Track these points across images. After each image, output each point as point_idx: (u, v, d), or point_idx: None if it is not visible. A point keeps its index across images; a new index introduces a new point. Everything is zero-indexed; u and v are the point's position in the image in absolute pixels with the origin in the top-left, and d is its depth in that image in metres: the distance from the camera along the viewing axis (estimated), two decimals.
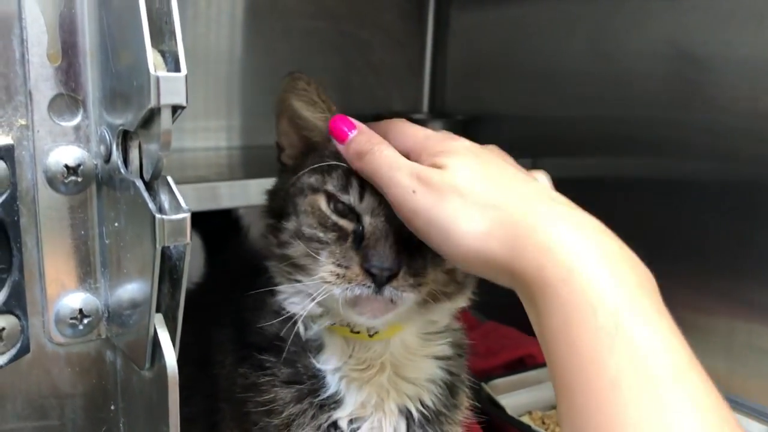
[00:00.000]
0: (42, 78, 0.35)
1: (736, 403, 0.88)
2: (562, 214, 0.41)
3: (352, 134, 0.49)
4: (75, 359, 0.39)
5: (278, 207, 0.56)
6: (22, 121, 0.35)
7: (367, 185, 0.49)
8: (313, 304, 0.51)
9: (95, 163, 0.37)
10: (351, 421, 0.56)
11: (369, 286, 0.47)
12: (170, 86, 0.31)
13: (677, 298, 0.97)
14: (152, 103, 0.31)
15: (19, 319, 0.35)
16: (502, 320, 1.09)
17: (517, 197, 0.42)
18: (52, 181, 0.36)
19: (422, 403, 0.57)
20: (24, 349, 0.36)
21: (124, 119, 0.35)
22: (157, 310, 0.35)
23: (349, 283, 0.48)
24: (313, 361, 0.56)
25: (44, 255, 0.37)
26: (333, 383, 0.56)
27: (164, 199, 0.34)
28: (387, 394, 0.56)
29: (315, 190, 0.52)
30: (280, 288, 0.55)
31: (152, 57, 0.31)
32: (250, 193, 0.70)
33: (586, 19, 1.06)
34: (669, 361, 0.36)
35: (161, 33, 0.32)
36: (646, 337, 0.36)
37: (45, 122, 0.36)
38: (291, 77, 0.53)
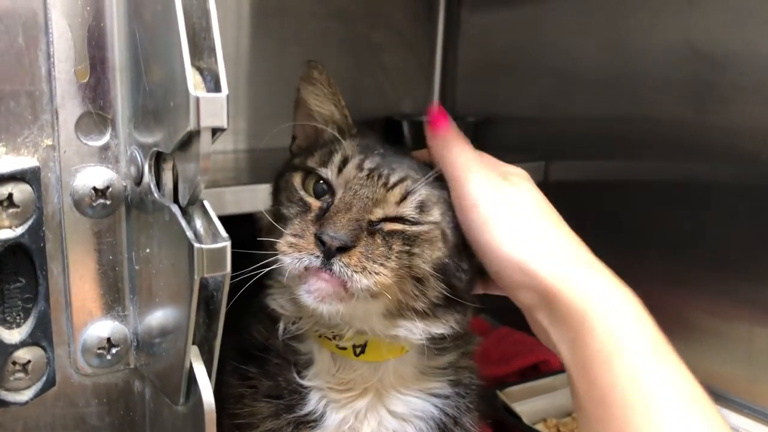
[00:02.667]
0: (69, 95, 0.33)
1: (760, 413, 0.87)
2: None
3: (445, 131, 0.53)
4: (102, 390, 0.37)
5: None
6: (48, 141, 0.33)
7: (350, 161, 0.49)
8: (283, 299, 0.50)
9: (124, 185, 0.35)
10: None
11: (317, 256, 0.45)
12: (211, 108, 0.29)
13: (696, 304, 0.97)
14: (191, 126, 0.29)
15: (45, 350, 0.33)
16: (515, 325, 1.08)
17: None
18: (79, 204, 0.34)
19: None
20: (50, 383, 0.34)
21: (157, 139, 0.33)
22: (192, 342, 0.33)
23: (299, 252, 0.45)
24: (295, 375, 0.53)
25: (71, 282, 0.35)
26: (313, 401, 0.54)
27: (200, 225, 0.32)
28: (365, 422, 0.54)
29: (296, 168, 0.52)
30: (267, 282, 0.53)
31: (192, 76, 0.29)
32: (257, 199, 0.68)
33: (601, 19, 1.05)
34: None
35: (200, 49, 0.30)
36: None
37: (72, 142, 0.34)
38: (307, 65, 0.55)
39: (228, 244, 0.31)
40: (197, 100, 0.29)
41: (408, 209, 0.48)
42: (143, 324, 0.36)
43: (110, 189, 0.35)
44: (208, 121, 0.29)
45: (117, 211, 0.35)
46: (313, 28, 1.16)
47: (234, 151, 1.10)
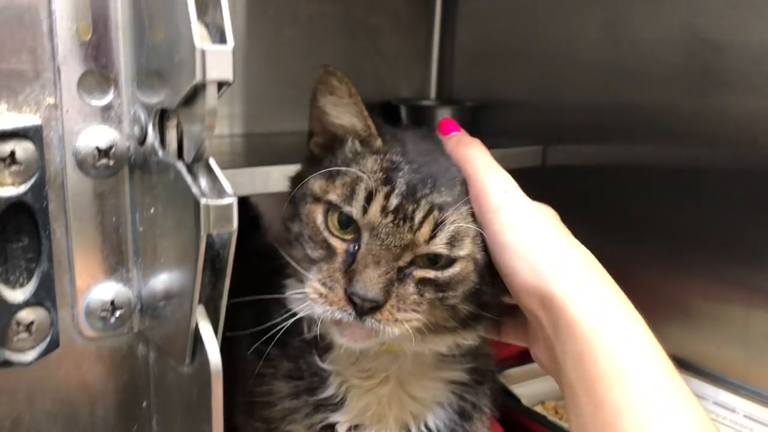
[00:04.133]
0: (71, 53, 0.33)
1: (757, 393, 0.89)
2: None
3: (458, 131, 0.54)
4: (106, 354, 0.37)
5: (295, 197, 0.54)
6: (51, 100, 0.33)
7: (374, 199, 0.47)
8: (303, 313, 0.49)
9: (128, 145, 0.35)
10: (349, 429, 0.54)
11: (350, 314, 0.45)
12: (217, 60, 0.29)
13: (694, 288, 0.97)
14: (197, 79, 0.29)
15: (48, 311, 0.33)
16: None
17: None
18: (82, 164, 0.34)
19: (426, 425, 0.55)
20: (53, 344, 0.33)
21: (160, 98, 0.33)
22: (198, 302, 0.33)
23: (331, 305, 0.46)
24: (317, 359, 0.54)
25: (73, 243, 0.34)
26: (333, 385, 0.54)
27: (205, 182, 0.32)
28: (388, 407, 0.54)
29: (316, 199, 0.50)
30: (286, 281, 0.53)
31: (198, 29, 0.28)
32: (255, 182, 0.68)
33: (598, 4, 1.05)
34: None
35: (204, 3, 0.30)
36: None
37: (74, 101, 0.33)
38: (324, 71, 0.51)
39: (235, 200, 0.31)
40: (203, 52, 0.28)
41: (438, 246, 0.47)
42: (147, 287, 0.36)
43: (113, 149, 0.34)
44: (214, 74, 0.29)
45: (120, 172, 0.35)
46: (310, 11, 1.15)
47: (230, 135, 1.09)
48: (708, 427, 0.41)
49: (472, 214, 0.49)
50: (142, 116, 0.33)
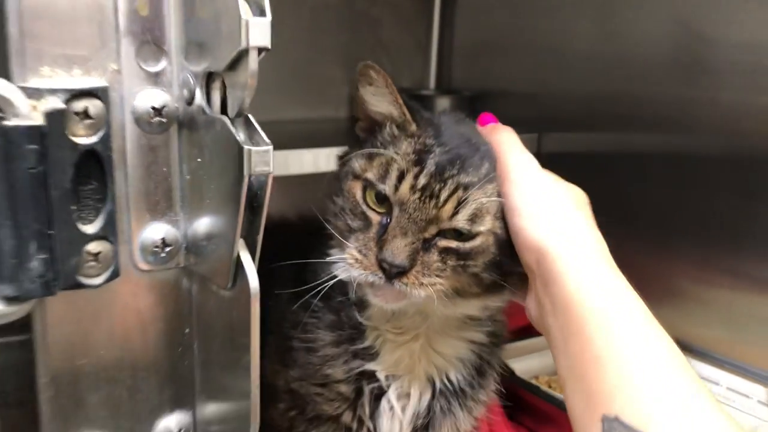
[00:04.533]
0: (130, 27, 0.39)
1: (739, 368, 0.94)
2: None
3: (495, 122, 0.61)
4: (156, 285, 0.43)
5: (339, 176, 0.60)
6: (114, 66, 0.39)
7: (405, 179, 0.53)
8: (342, 275, 0.55)
9: (176, 106, 0.41)
10: (386, 377, 0.61)
11: (380, 277, 0.52)
12: (258, 29, 0.35)
13: (682, 272, 1.01)
14: (242, 45, 0.35)
15: (111, 244, 0.39)
16: None
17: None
18: (138, 120, 0.40)
19: (447, 377, 0.62)
20: (115, 273, 0.40)
21: (205, 65, 0.39)
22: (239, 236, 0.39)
23: (365, 269, 0.53)
24: (356, 314, 0.60)
25: (131, 189, 0.41)
26: (370, 338, 0.61)
27: (245, 134, 0.38)
28: (418, 361, 0.61)
29: (356, 177, 0.57)
30: (330, 250, 0.59)
31: (244, 5, 0.35)
32: None
33: None
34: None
35: None
36: None
37: (133, 67, 0.40)
38: (364, 65, 0.57)
39: (270, 147, 0.37)
40: (247, 23, 0.35)
41: (460, 222, 0.53)
42: (192, 228, 0.42)
43: (165, 108, 0.40)
44: (256, 41, 0.35)
45: (170, 129, 0.41)
46: (313, 3, 1.19)
47: None
48: (682, 362, 0.46)
49: (497, 192, 0.55)
50: (191, 80, 0.40)
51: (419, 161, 0.54)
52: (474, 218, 0.53)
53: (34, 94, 0.35)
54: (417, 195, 0.53)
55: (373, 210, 0.55)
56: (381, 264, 0.52)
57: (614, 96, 1.08)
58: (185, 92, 0.40)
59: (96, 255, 0.38)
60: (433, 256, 0.53)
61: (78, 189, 0.37)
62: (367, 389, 0.61)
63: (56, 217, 0.36)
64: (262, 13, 0.36)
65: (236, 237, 0.38)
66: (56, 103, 0.35)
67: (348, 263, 0.54)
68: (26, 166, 0.34)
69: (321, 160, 0.86)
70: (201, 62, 0.39)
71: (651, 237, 1.04)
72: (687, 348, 0.98)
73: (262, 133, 0.37)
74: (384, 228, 0.53)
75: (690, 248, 0.99)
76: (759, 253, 0.92)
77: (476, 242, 0.54)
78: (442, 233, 0.54)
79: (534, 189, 0.53)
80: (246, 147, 0.36)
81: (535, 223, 0.51)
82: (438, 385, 0.62)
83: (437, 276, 0.53)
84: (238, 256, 0.39)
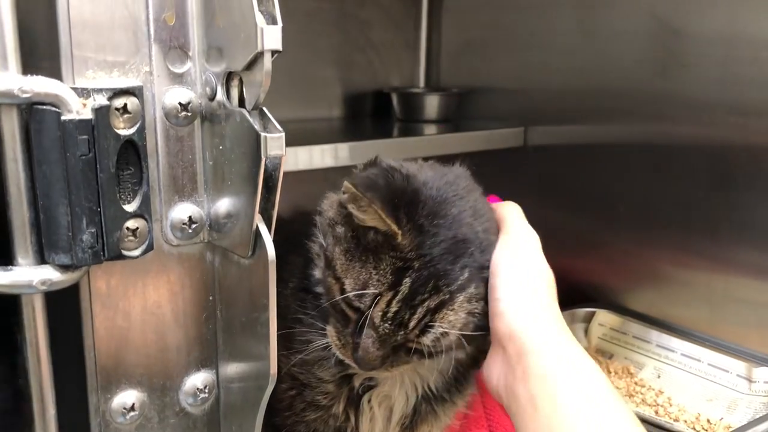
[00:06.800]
0: (160, 35, 0.46)
1: (718, 344, 1.00)
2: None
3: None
4: (184, 258, 0.49)
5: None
6: (146, 68, 0.45)
7: (377, 304, 0.57)
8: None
9: (200, 102, 0.48)
10: (367, 379, 0.68)
11: (355, 365, 0.61)
12: (271, 35, 0.42)
13: (663, 256, 1.08)
14: (258, 49, 0.42)
15: (147, 221, 0.45)
16: None
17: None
18: (168, 115, 0.47)
19: (428, 386, 0.69)
20: (150, 246, 0.46)
21: (224, 66, 0.45)
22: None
23: (342, 355, 0.62)
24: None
25: (161, 174, 0.47)
26: None
27: (260, 123, 0.45)
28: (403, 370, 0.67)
29: (336, 279, 0.60)
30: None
31: (259, 15, 0.41)
32: None
33: None
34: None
35: None
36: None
37: (162, 69, 0.46)
38: (351, 188, 0.58)
39: (283, 134, 0.44)
40: (262, 30, 0.41)
41: (425, 343, 0.57)
42: (214, 207, 0.49)
43: (190, 104, 0.47)
44: (270, 45, 0.42)
45: (194, 122, 0.48)
46: (306, 7, 1.24)
47: None
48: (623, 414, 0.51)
49: (471, 296, 0.58)
50: (212, 79, 0.46)
51: (395, 283, 0.56)
52: (438, 340, 0.57)
53: (82, 93, 0.42)
54: (387, 323, 0.57)
55: (351, 309, 0.59)
56: (355, 360, 0.59)
57: (595, 90, 1.13)
58: (207, 90, 0.47)
59: (134, 231, 0.45)
60: (402, 356, 0.60)
61: (119, 173, 0.44)
62: (348, 391, 0.68)
63: (103, 197, 0.42)
64: (274, 22, 0.42)
65: (255, 212, 0.45)
66: (101, 100, 0.42)
67: (330, 340, 0.62)
68: (79, 153, 0.40)
69: (315, 156, 0.92)
70: (221, 64, 0.46)
71: (633, 223, 1.09)
72: (669, 327, 1.06)
73: (275, 122, 0.44)
74: (359, 327, 0.58)
75: (670, 233, 1.05)
76: (735, 238, 0.98)
77: (442, 352, 0.59)
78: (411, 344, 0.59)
79: (517, 281, 0.57)
80: (263, 134, 0.43)
81: (515, 309, 0.56)
82: (419, 390, 0.69)
83: (406, 363, 0.61)
84: (257, 228, 0.45)
